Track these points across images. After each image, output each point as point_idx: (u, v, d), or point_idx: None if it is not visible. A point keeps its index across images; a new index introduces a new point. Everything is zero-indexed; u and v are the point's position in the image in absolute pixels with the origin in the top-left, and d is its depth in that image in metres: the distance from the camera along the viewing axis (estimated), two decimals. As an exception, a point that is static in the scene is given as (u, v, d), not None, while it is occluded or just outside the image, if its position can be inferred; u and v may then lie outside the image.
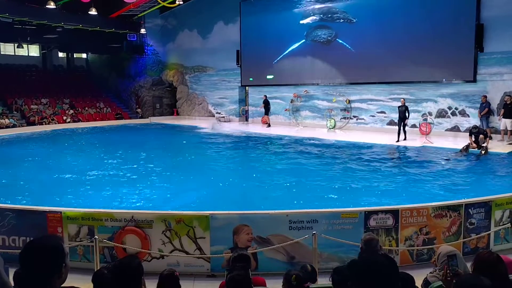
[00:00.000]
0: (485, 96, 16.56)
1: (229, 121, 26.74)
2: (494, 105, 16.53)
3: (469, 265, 3.29)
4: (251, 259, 4.03)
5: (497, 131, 16.22)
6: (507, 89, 16.22)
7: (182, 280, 3.94)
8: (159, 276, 3.83)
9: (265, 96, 24.10)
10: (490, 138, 14.82)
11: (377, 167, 12.43)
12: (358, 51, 20.48)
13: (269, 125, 23.20)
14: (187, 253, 5.98)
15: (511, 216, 6.57)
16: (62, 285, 2.10)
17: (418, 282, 4.04)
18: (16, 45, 29.14)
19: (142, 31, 29.40)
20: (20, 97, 26.77)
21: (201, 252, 5.98)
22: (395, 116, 19.42)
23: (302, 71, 22.88)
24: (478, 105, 16.83)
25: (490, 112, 16.56)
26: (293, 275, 3.42)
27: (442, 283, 3.46)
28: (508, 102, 15.73)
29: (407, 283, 3.26)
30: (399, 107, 16.94)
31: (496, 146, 14.61)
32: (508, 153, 13.75)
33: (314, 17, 22.21)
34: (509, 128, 15.72)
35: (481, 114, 16.52)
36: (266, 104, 23.90)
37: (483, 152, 13.50)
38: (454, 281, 2.67)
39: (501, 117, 15.90)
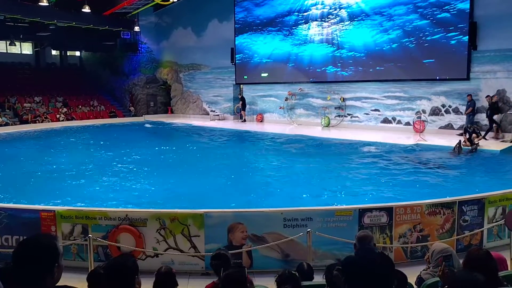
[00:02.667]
0: (470, 95, 16.87)
1: (224, 119, 26.72)
2: (487, 103, 16.64)
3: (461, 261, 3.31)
4: (228, 257, 4.02)
5: (482, 129, 16.29)
6: (500, 87, 16.33)
7: (177, 278, 3.94)
8: (156, 273, 3.82)
9: (240, 94, 25.69)
10: (480, 134, 14.89)
11: (371, 164, 12.47)
12: (353, 50, 20.54)
13: (244, 120, 24.91)
14: (181, 251, 5.97)
15: (503, 214, 6.61)
16: (56, 285, 2.09)
17: (412, 279, 4.06)
18: (8, 42, 28.89)
19: (136, 28, 29.24)
20: (12, 95, 26.56)
21: (195, 250, 5.97)
22: (390, 114, 19.58)
23: (296, 69, 22.89)
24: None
25: (474, 111, 16.83)
26: (277, 275, 3.43)
27: (436, 280, 3.49)
28: (490, 102, 16.12)
29: (399, 282, 3.27)
30: (495, 102, 16.25)
31: (490, 144, 14.69)
32: (501, 150, 13.84)
33: (309, 16, 22.23)
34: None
35: (466, 112, 16.85)
36: (243, 100, 25.12)
37: (473, 149, 13.62)
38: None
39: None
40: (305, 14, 22.29)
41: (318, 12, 21.79)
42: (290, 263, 5.82)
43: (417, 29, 18.28)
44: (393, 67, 19.18)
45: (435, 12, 17.73)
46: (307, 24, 22.28)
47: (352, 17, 20.49)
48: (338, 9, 20.99)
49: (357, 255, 2.01)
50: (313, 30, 22.06)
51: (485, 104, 16.66)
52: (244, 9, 25.12)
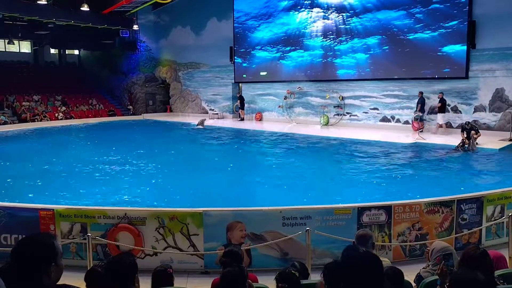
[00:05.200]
0: (421, 92, 17.90)
1: (223, 117, 26.71)
2: (486, 101, 16.66)
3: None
4: (239, 255, 4.01)
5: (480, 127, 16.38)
6: (498, 86, 16.35)
7: (175, 276, 3.94)
8: (152, 272, 3.82)
9: (239, 93, 25.68)
10: (478, 131, 14.90)
11: (370, 163, 12.47)
12: (352, 48, 20.54)
13: (242, 119, 24.84)
14: (180, 250, 5.97)
15: (502, 212, 6.63)
16: (56, 284, 2.08)
17: (411, 278, 4.07)
18: (7, 41, 28.84)
19: (135, 27, 29.21)
20: (11, 94, 26.53)
21: (194, 249, 5.97)
22: (388, 113, 19.58)
23: (295, 68, 22.89)
24: (471, 102, 17.03)
25: (422, 108, 17.86)
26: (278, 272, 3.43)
27: (435, 278, 3.49)
28: (440, 97, 17.15)
29: (395, 277, 3.26)
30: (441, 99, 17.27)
31: (489, 142, 14.68)
32: (499, 149, 13.86)
33: (308, 15, 22.23)
34: (441, 122, 17.11)
35: (417, 109, 17.84)
36: (242, 99, 25.07)
37: (471, 147, 13.63)
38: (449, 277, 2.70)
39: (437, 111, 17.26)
40: (305, 18, 22.31)
41: (319, 18, 21.78)
42: (289, 262, 5.81)
43: (415, 28, 18.28)
44: (392, 66, 19.17)
45: (435, 12, 17.72)
46: (307, 29, 22.28)
47: (350, 14, 20.48)
48: (337, 15, 20.99)
49: (343, 257, 1.97)
50: (313, 32, 22.04)
51: (484, 103, 16.72)
52: (242, 20, 25.14)
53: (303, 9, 22.35)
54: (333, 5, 21.10)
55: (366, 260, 1.88)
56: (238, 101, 25.25)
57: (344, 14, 20.71)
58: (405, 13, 18.59)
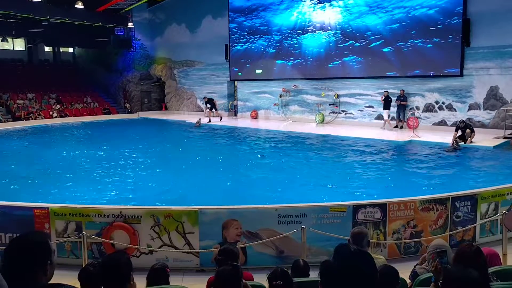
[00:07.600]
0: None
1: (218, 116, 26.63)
2: (481, 99, 16.74)
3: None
4: (235, 253, 4.00)
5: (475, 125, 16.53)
6: (493, 84, 16.43)
7: (171, 275, 3.93)
8: (150, 269, 3.82)
9: (205, 97, 25.11)
10: (473, 129, 14.95)
11: (365, 161, 12.51)
12: (347, 45, 20.56)
13: (210, 121, 23.67)
14: (176, 248, 5.97)
15: (496, 210, 6.67)
16: (49, 283, 2.07)
17: (406, 275, 4.09)
18: (0, 39, 28.65)
19: (130, 25, 29.08)
20: (5, 92, 26.36)
21: (190, 247, 5.97)
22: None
23: (291, 66, 22.89)
24: (465, 100, 17.11)
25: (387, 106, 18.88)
26: (269, 273, 3.43)
27: (430, 275, 3.50)
28: (385, 96, 18.68)
29: (390, 277, 3.25)
30: (386, 97, 18.29)
31: (483, 140, 14.75)
32: (493, 147, 13.92)
33: (303, 12, 22.24)
34: (385, 118, 18.60)
35: (397, 104, 18.65)
36: (210, 101, 24.52)
37: (456, 146, 13.68)
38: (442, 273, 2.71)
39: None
40: (301, 25, 22.33)
41: (316, 28, 21.81)
42: (284, 260, 5.84)
43: (411, 25, 18.32)
44: (387, 64, 19.21)
45: (428, 11, 17.76)
46: (303, 30, 22.29)
47: (346, 11, 20.51)
48: (333, 30, 21.05)
49: (334, 256, 1.91)
50: (306, 23, 22.06)
51: (478, 101, 16.80)
52: (237, 22, 25.10)
53: (298, 12, 22.36)
54: (330, 20, 21.13)
55: (358, 259, 1.85)
56: (208, 104, 24.45)
57: (341, 22, 20.75)
58: (401, 10, 18.61)
